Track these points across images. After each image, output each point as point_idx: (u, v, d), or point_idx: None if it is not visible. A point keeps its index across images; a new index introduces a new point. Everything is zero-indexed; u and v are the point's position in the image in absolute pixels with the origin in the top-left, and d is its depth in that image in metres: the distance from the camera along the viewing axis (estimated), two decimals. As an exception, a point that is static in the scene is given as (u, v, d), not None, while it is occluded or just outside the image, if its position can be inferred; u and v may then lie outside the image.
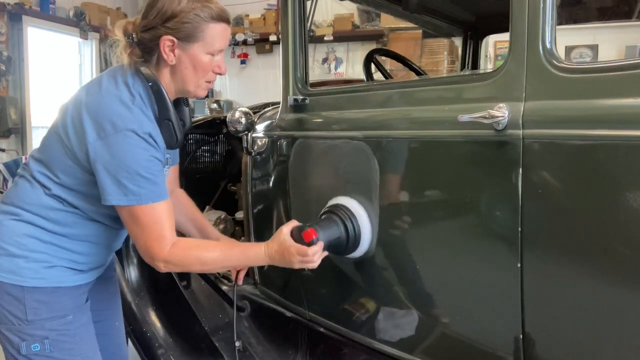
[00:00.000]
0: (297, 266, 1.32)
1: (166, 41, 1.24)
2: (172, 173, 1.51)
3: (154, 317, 1.93)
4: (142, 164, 1.20)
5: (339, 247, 1.46)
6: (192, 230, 1.57)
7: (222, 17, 1.28)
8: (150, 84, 1.27)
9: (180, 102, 1.40)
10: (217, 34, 1.28)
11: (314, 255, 1.30)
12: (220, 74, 1.34)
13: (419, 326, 1.44)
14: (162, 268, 1.27)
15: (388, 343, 1.52)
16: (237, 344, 1.71)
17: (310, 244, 1.30)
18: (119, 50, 1.29)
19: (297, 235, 1.31)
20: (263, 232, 1.93)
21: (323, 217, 1.50)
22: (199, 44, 1.26)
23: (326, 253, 1.37)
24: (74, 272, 1.32)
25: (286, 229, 1.33)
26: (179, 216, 1.46)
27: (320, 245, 1.32)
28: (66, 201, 1.29)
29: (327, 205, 1.53)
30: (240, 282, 1.61)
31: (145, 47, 1.27)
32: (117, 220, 1.31)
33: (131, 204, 1.21)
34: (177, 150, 1.52)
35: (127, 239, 1.99)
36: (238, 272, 1.61)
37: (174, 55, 1.26)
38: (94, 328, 1.38)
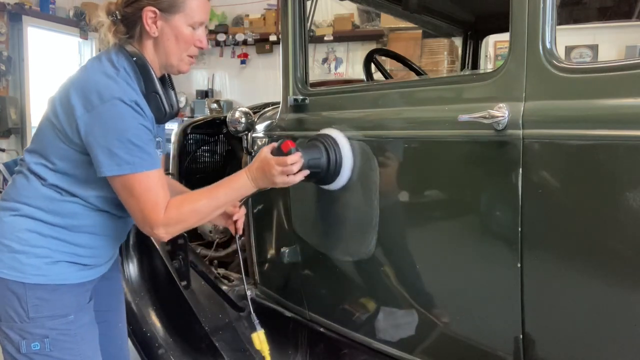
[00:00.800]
0: (278, 180, 1.34)
1: (148, 12, 1.28)
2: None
3: (154, 317, 1.93)
4: (132, 131, 1.22)
5: (319, 172, 1.49)
6: None
7: None
8: (134, 58, 1.30)
9: (165, 84, 1.41)
10: (198, 6, 1.31)
11: (293, 165, 1.34)
12: (202, 48, 1.37)
13: (419, 326, 1.44)
14: (163, 234, 1.28)
15: (388, 343, 1.52)
16: (249, 292, 1.69)
17: (288, 153, 1.33)
18: (104, 31, 1.32)
19: (277, 150, 1.35)
20: (263, 232, 1.93)
21: (309, 142, 1.53)
22: (180, 15, 1.30)
23: (307, 172, 1.40)
24: (78, 267, 1.31)
25: (267, 148, 1.37)
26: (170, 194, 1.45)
27: (298, 155, 1.35)
28: (64, 190, 1.29)
29: (315, 134, 1.55)
30: (240, 231, 1.58)
31: (128, 22, 1.31)
32: (119, 207, 1.31)
33: (124, 172, 1.22)
34: (164, 136, 1.54)
35: (128, 238, 2.00)
36: (235, 222, 1.57)
37: (157, 27, 1.30)
38: (97, 328, 1.38)
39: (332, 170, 1.49)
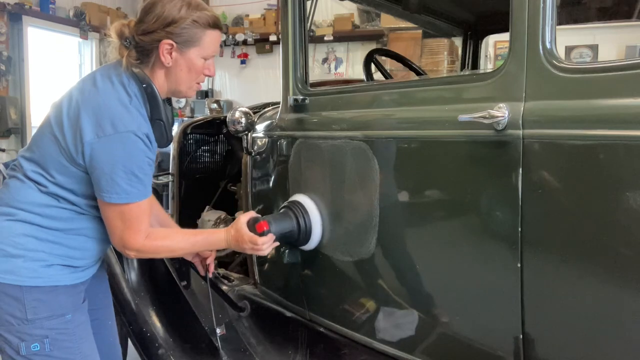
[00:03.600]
0: (248, 252, 1.49)
1: (165, 45, 1.31)
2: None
3: (154, 317, 1.93)
4: (137, 163, 1.26)
5: (291, 239, 1.62)
6: (156, 226, 1.59)
7: (217, 25, 1.37)
8: (144, 85, 1.32)
9: (164, 101, 1.43)
10: (213, 39, 1.37)
11: (263, 245, 1.46)
12: (209, 75, 1.43)
13: (419, 326, 1.44)
14: (131, 255, 1.36)
15: (388, 343, 1.52)
16: (218, 330, 1.84)
17: (261, 234, 1.45)
18: (110, 49, 1.35)
19: (252, 226, 1.46)
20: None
21: (281, 211, 1.65)
22: (196, 49, 1.34)
23: (277, 243, 1.53)
24: (71, 270, 1.33)
25: (244, 218, 1.48)
26: None
27: (270, 237, 1.48)
28: (62, 198, 1.30)
29: (286, 201, 1.66)
30: (210, 274, 1.71)
31: (143, 50, 1.33)
32: None
33: (121, 202, 1.27)
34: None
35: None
36: (207, 264, 1.69)
37: (171, 58, 1.33)
38: (91, 327, 1.39)
39: (302, 237, 1.61)
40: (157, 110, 1.34)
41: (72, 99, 1.29)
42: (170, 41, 1.30)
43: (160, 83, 1.36)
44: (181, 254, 1.53)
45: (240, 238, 1.44)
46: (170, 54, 1.32)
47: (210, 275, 1.71)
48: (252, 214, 1.51)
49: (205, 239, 1.49)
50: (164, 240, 1.40)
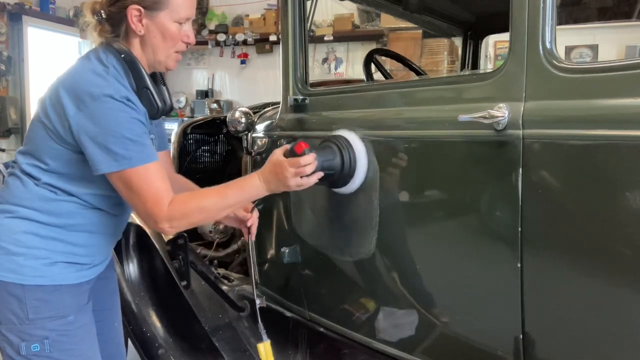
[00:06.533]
0: (292, 183, 1.31)
1: (133, 10, 1.28)
2: (164, 158, 1.48)
3: (154, 317, 1.93)
4: (125, 126, 1.21)
5: (333, 174, 1.45)
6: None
7: None
8: (122, 55, 1.29)
9: (157, 81, 1.41)
10: (182, 1, 1.31)
11: (307, 166, 1.30)
12: (189, 43, 1.37)
13: (419, 326, 1.44)
14: (168, 229, 1.26)
15: (388, 343, 1.52)
16: (258, 301, 1.62)
17: (302, 154, 1.29)
18: (90, 30, 1.32)
19: (290, 152, 1.31)
20: (263, 232, 1.93)
21: (323, 143, 1.49)
22: (165, 12, 1.30)
23: (321, 174, 1.36)
24: (76, 268, 1.31)
25: (279, 150, 1.34)
26: (175, 190, 1.41)
27: (312, 156, 1.31)
28: (59, 189, 1.28)
29: (330, 135, 1.52)
30: (253, 237, 1.54)
31: (113, 21, 1.31)
32: (115, 205, 1.32)
33: (123, 168, 1.21)
34: (164, 134, 1.55)
35: (128, 238, 2.00)
36: (249, 228, 1.53)
37: (142, 25, 1.30)
38: (95, 328, 1.38)
39: (345, 172, 1.46)
40: (140, 78, 1.29)
41: (53, 85, 1.29)
42: (136, 6, 1.27)
43: (138, 54, 1.32)
44: (215, 213, 1.34)
45: (278, 167, 1.30)
46: (140, 21, 1.29)
47: (252, 238, 1.54)
48: (286, 147, 1.35)
49: (239, 188, 1.33)
50: (191, 201, 1.28)
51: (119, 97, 1.21)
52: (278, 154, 1.33)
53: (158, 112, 1.33)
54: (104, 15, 1.31)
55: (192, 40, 1.37)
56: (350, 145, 1.46)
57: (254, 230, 1.53)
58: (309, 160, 1.31)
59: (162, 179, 1.26)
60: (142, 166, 1.22)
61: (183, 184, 1.58)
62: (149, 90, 1.30)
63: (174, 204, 1.25)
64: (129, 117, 1.22)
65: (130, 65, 1.29)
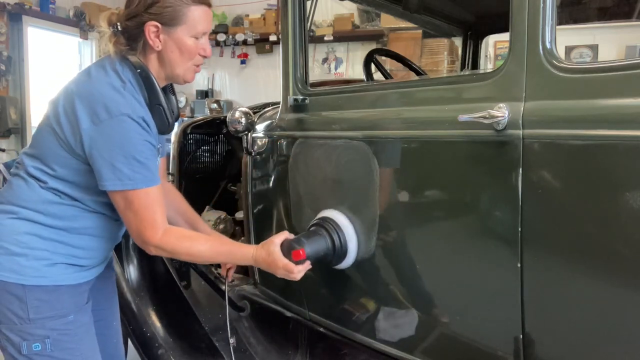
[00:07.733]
0: (279, 276, 1.38)
1: (150, 27, 1.28)
2: (160, 165, 1.50)
3: (154, 317, 1.93)
4: (137, 147, 1.23)
5: (326, 260, 1.51)
6: (183, 225, 1.58)
7: (202, 0, 1.32)
8: (138, 70, 1.30)
9: (167, 91, 1.41)
10: (199, 16, 1.32)
11: (298, 273, 1.37)
12: (206, 56, 1.38)
13: (419, 326, 1.44)
14: (152, 252, 1.31)
15: (388, 343, 1.52)
16: (232, 340, 1.73)
17: (297, 263, 1.36)
18: (105, 41, 1.32)
19: (287, 252, 1.37)
20: (263, 232, 1.93)
21: (312, 229, 1.54)
22: (182, 27, 1.30)
23: (310, 265, 1.42)
24: (75, 269, 1.32)
25: (277, 240, 1.38)
26: (168, 211, 1.46)
27: (306, 264, 1.39)
28: (64, 193, 1.29)
29: (316, 217, 1.56)
30: (230, 278, 1.65)
31: (130, 35, 1.31)
32: (116, 210, 1.31)
33: (126, 188, 1.23)
34: (166, 142, 1.56)
35: (127, 238, 2.00)
36: (228, 269, 1.64)
37: (160, 41, 1.30)
38: (94, 328, 1.38)
39: (338, 254, 1.50)
40: (154, 95, 1.31)
41: (67, 91, 1.28)
42: (154, 22, 1.28)
43: (155, 69, 1.34)
44: (201, 261, 1.45)
45: (272, 263, 1.35)
46: (158, 36, 1.29)
47: (229, 279, 1.66)
48: (285, 235, 1.41)
49: (230, 252, 1.40)
50: (184, 241, 1.32)
51: (135, 117, 1.22)
52: (276, 245, 1.37)
53: (168, 127, 1.36)
54: (119, 28, 1.31)
55: (209, 53, 1.39)
56: (339, 226, 1.50)
57: (231, 273, 1.66)
58: (302, 269, 1.37)
59: (160, 204, 1.29)
60: (144, 189, 1.25)
61: (171, 195, 1.60)
62: (162, 107, 1.32)
63: (168, 236, 1.28)
64: (142, 139, 1.24)
65: (145, 80, 1.30)
